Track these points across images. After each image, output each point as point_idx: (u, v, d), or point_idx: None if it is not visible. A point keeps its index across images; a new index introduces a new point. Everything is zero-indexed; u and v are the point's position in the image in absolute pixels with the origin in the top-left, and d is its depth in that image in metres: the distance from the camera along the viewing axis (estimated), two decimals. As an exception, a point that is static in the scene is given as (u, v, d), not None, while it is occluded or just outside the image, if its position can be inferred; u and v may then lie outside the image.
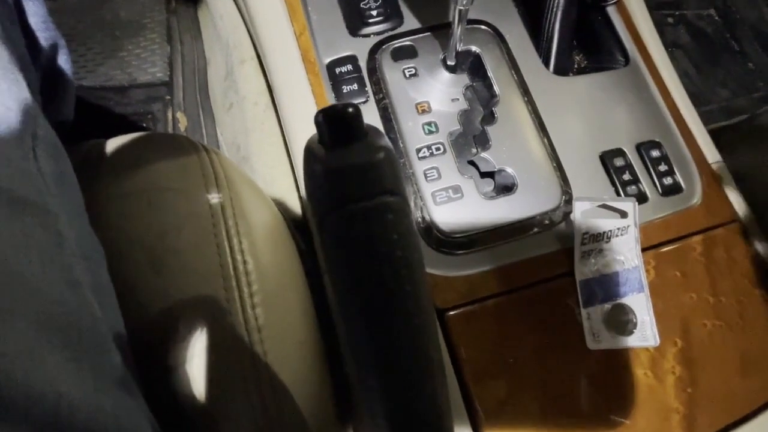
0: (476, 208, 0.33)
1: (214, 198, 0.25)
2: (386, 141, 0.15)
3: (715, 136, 0.46)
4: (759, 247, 0.36)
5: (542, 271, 0.33)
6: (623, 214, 0.33)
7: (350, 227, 0.13)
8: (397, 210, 0.14)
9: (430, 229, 0.33)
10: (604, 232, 0.32)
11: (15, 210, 0.17)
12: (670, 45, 0.97)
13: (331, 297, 0.16)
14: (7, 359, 0.14)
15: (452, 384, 0.30)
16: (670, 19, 0.98)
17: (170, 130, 0.74)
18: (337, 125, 0.14)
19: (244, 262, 0.24)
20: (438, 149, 0.34)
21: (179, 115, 0.75)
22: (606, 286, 0.32)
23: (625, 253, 0.32)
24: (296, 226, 0.36)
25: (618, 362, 0.31)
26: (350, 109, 0.14)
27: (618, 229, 0.32)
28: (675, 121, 0.39)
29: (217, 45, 0.65)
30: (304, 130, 0.36)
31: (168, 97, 0.76)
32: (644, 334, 0.31)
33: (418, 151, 0.34)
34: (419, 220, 0.33)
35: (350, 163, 0.13)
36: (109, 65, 0.80)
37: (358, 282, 0.14)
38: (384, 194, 0.13)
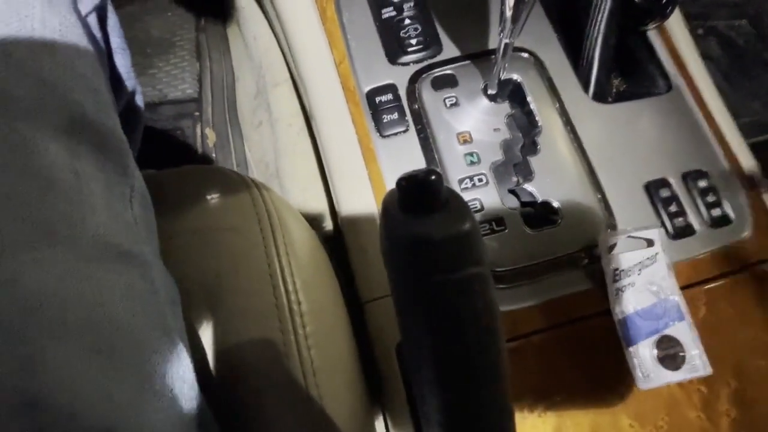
0: (520, 241, 0.33)
1: (267, 237, 0.25)
2: (469, 209, 0.14)
3: (750, 151, 0.45)
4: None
5: (588, 307, 0.32)
6: (650, 243, 0.33)
7: (438, 298, 0.13)
8: (482, 280, 0.14)
9: (473, 262, 0.32)
10: (634, 265, 0.32)
11: (123, 263, 0.17)
12: (701, 56, 0.95)
13: (411, 358, 0.16)
14: (119, 412, 0.15)
15: None
16: (700, 31, 0.96)
17: (199, 145, 0.76)
18: (420, 192, 0.14)
19: (299, 303, 0.24)
20: (480, 180, 0.34)
21: (208, 131, 0.77)
22: (646, 321, 0.31)
23: (659, 282, 0.31)
24: (331, 254, 0.36)
25: (669, 404, 0.30)
26: (433, 177, 0.14)
27: (647, 259, 0.32)
28: (722, 148, 0.38)
29: (248, 64, 0.66)
30: (343, 158, 0.37)
31: (197, 113, 0.78)
32: (694, 365, 0.30)
33: (461, 182, 0.34)
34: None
35: (440, 235, 0.13)
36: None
37: (445, 352, 0.14)
38: (471, 266, 0.13)
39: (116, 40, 0.27)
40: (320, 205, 0.45)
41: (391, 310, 0.32)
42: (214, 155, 0.74)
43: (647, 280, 0.32)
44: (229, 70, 0.78)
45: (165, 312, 0.18)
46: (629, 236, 0.33)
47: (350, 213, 0.35)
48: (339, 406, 0.23)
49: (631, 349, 0.31)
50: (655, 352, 0.31)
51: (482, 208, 0.34)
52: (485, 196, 0.34)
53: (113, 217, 0.18)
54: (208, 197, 0.27)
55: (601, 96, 0.39)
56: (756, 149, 0.49)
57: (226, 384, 0.22)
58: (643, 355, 0.31)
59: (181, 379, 0.17)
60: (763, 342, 0.32)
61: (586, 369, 0.31)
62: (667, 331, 0.31)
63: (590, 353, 0.31)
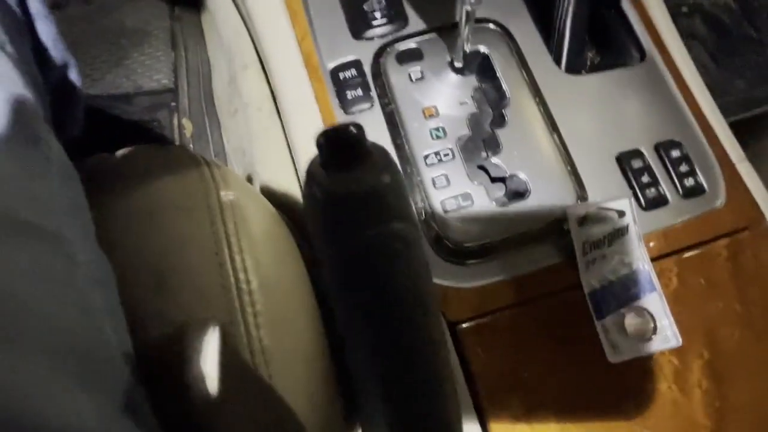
0: (487, 216, 0.32)
1: (215, 215, 0.24)
2: (392, 162, 0.13)
3: (734, 128, 0.44)
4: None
5: (558, 281, 0.31)
6: (620, 214, 0.32)
7: (356, 257, 0.12)
8: (404, 237, 0.13)
9: (439, 239, 0.32)
10: (604, 237, 0.31)
11: (21, 235, 0.16)
12: (684, 35, 0.94)
13: (339, 319, 0.15)
14: (19, 392, 0.14)
15: (465, 400, 0.29)
16: (684, 8, 0.95)
17: (176, 136, 0.74)
18: (339, 147, 0.13)
19: (248, 281, 0.23)
20: (447, 155, 0.33)
21: (185, 121, 0.75)
22: (616, 293, 0.30)
23: (630, 254, 0.31)
24: (303, 235, 0.35)
25: (640, 376, 0.30)
26: (352, 129, 0.13)
27: (618, 230, 0.31)
28: (696, 118, 0.37)
29: (220, 50, 0.65)
30: (308, 138, 0.35)
31: (173, 104, 0.76)
32: (665, 336, 0.30)
33: (426, 157, 0.33)
34: (428, 229, 0.32)
35: (353, 190, 0.12)
36: (114, 73, 0.80)
37: (366, 314, 0.13)
38: (390, 222, 0.12)
39: (35, 5, 0.26)
40: (292, 188, 0.44)
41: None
42: (191, 146, 0.72)
43: (618, 252, 0.31)
44: (205, 59, 0.76)
45: (86, 291, 0.17)
46: (599, 208, 0.32)
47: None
48: (293, 391, 0.22)
49: (601, 322, 0.30)
50: (626, 324, 0.30)
51: (449, 184, 0.33)
52: (452, 171, 0.33)
53: (16, 189, 0.17)
54: (157, 176, 0.25)
55: (574, 68, 0.38)
56: (742, 126, 0.48)
57: (168, 366, 0.21)
58: (613, 327, 0.30)
59: (106, 362, 0.16)
60: (735, 313, 0.32)
61: (556, 344, 0.30)
62: (638, 303, 0.31)
63: (561, 328, 0.31)
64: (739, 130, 0.46)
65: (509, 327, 0.30)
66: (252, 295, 0.23)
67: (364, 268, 0.13)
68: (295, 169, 0.43)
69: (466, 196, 0.32)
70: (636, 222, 0.32)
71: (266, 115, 0.49)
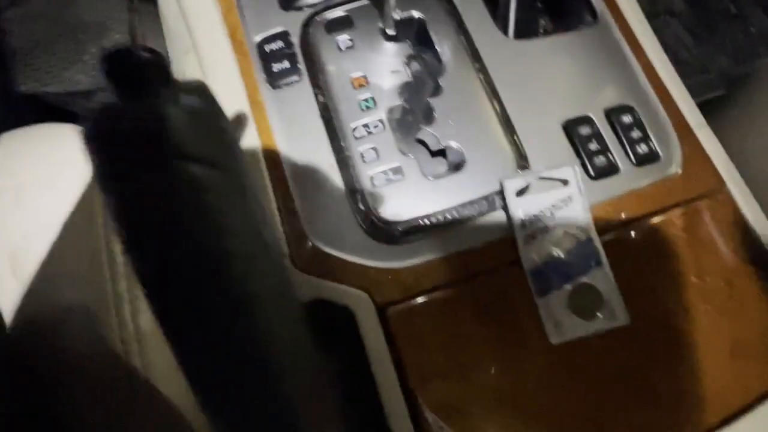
0: (420, 191, 0.30)
1: (91, 194, 0.22)
2: (201, 97, 0.11)
3: (714, 104, 0.42)
4: (749, 218, 0.32)
5: (497, 258, 0.29)
6: (564, 183, 0.29)
7: (130, 206, 0.10)
8: (202, 183, 0.10)
9: (368, 217, 0.29)
10: (546, 208, 0.28)
11: None
12: (662, 12, 0.92)
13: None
14: None
15: (393, 388, 0.26)
16: (662, -14, 0.92)
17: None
18: (125, 71, 0.11)
19: (125, 264, 0.21)
20: (376, 127, 0.31)
21: (145, 116, 0.73)
22: (559, 269, 0.28)
23: (574, 226, 0.28)
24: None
25: (585, 357, 0.27)
26: (143, 53, 0.11)
27: (561, 200, 0.29)
28: (651, 82, 0.35)
29: (168, 37, 0.62)
30: (233, 117, 0.33)
31: (133, 99, 0.74)
32: (612, 313, 0.28)
33: (354, 130, 0.31)
34: (357, 206, 0.29)
35: (125, 120, 0.10)
36: (74, 70, 0.78)
37: (152, 289, 0.10)
38: (181, 163, 0.10)
39: None
40: None
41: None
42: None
43: (561, 225, 0.29)
44: (164, 51, 0.74)
45: None
46: (540, 177, 0.30)
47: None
48: (169, 383, 0.20)
49: (543, 299, 0.28)
50: (569, 302, 0.28)
51: (378, 157, 0.30)
52: (382, 144, 0.30)
53: None
54: (35, 155, 0.23)
55: (524, 36, 0.36)
56: (722, 103, 0.46)
57: (26, 351, 0.18)
58: (556, 305, 0.28)
59: None
60: (692, 285, 0.29)
61: (495, 325, 0.28)
62: (582, 279, 0.28)
63: (500, 308, 0.28)
64: (721, 106, 0.44)
65: (443, 309, 0.28)
66: (129, 277, 0.20)
67: (140, 223, 0.10)
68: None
69: (397, 170, 0.30)
70: (582, 192, 0.30)
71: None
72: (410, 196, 0.29)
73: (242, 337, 0.12)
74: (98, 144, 0.10)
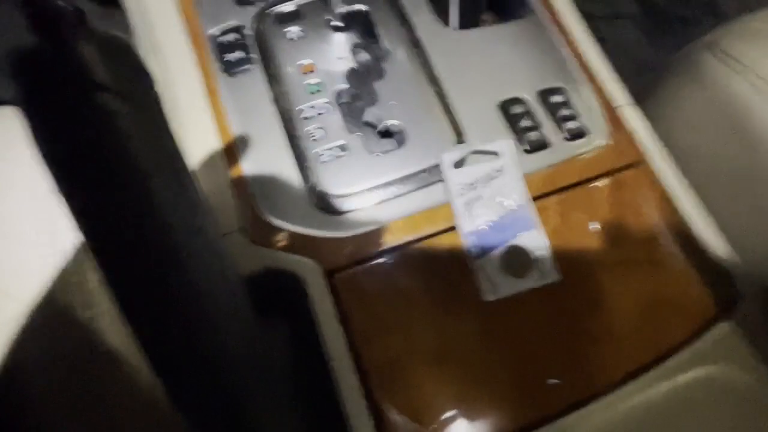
0: (363, 165, 0.32)
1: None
2: (117, 38, 0.13)
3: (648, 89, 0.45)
4: (669, 187, 0.35)
5: (435, 225, 0.31)
6: (497, 155, 0.32)
7: (50, 132, 0.11)
8: (113, 111, 0.12)
9: (316, 190, 0.31)
10: (480, 178, 0.31)
11: None
12: (616, 15, 0.97)
13: None
14: None
15: (342, 352, 0.28)
16: (616, -10, 0.98)
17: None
18: (43, 18, 0.12)
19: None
20: (325, 109, 0.33)
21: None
22: (494, 233, 0.30)
23: (509, 194, 0.31)
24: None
25: (521, 311, 0.30)
26: (59, 2, 0.12)
27: (495, 171, 0.31)
28: (580, 65, 0.38)
29: (137, 41, 0.64)
30: (189, 104, 0.35)
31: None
32: (543, 272, 0.30)
33: (303, 111, 0.33)
34: (307, 182, 0.31)
35: (49, 57, 0.11)
36: None
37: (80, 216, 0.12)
38: (94, 92, 0.12)
39: None
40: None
41: (236, 244, 0.31)
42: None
43: (495, 193, 0.31)
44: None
45: None
46: (475, 151, 0.32)
47: (198, 160, 0.34)
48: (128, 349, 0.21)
49: (478, 261, 0.30)
50: (502, 262, 0.30)
51: (326, 135, 0.32)
52: (329, 124, 0.33)
53: None
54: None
55: (465, 27, 0.39)
56: (654, 86, 0.49)
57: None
58: (491, 265, 0.30)
59: None
60: (616, 245, 0.32)
61: (434, 286, 0.30)
62: (515, 241, 0.30)
63: (439, 271, 0.30)
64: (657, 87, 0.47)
65: (386, 273, 0.30)
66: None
67: (59, 149, 0.11)
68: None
69: (342, 147, 0.32)
70: (514, 163, 0.32)
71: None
72: (356, 170, 0.32)
73: (170, 280, 0.14)
74: (18, 79, 0.12)
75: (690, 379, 0.29)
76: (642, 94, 0.44)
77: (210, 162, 0.33)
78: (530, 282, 0.30)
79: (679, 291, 0.31)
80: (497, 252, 0.30)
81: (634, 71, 0.98)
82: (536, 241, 0.30)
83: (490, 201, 0.31)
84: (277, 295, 0.30)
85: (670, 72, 0.41)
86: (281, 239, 0.30)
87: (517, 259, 0.30)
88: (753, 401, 0.27)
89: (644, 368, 0.28)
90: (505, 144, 0.32)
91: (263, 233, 0.31)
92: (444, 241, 0.31)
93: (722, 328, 0.31)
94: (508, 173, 0.31)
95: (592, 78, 0.38)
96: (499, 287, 0.29)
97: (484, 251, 0.30)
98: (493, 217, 0.31)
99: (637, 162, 0.35)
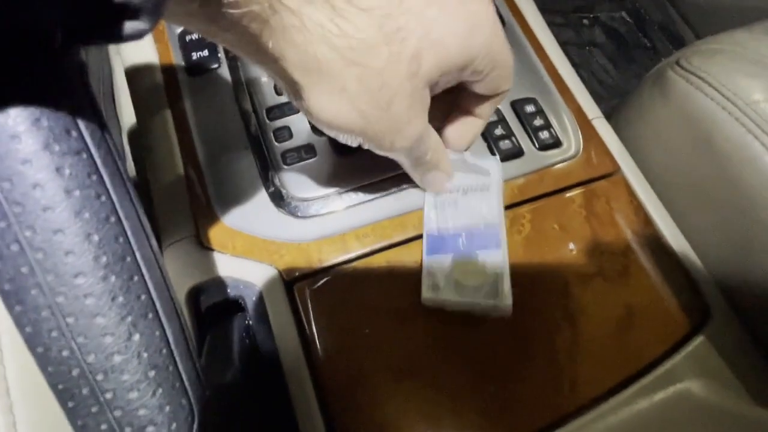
0: (331, 169, 0.30)
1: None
2: None
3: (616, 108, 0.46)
4: (642, 198, 0.35)
5: (405, 232, 0.29)
6: (485, 173, 0.31)
7: None
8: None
9: (279, 193, 0.29)
10: (460, 187, 0.29)
11: None
12: (587, 44, 1.02)
13: None
14: None
15: (300, 366, 0.25)
16: (585, 21, 1.04)
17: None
18: None
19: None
20: (291, 108, 0.32)
21: (81, 125, 0.70)
22: (457, 239, 0.28)
23: (484, 210, 0.29)
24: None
25: (491, 328, 0.28)
26: None
27: (480, 185, 0.30)
28: (552, 79, 0.38)
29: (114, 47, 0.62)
30: (149, 104, 0.33)
31: (70, 108, 0.71)
32: (493, 293, 0.27)
33: (269, 111, 0.31)
34: (269, 184, 0.29)
35: None
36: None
37: None
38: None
39: None
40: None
41: (191, 250, 0.28)
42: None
43: (472, 205, 0.30)
44: (105, 60, 0.73)
45: None
46: (464, 160, 0.31)
47: (154, 161, 0.31)
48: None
49: (429, 258, 0.28)
50: (453, 267, 0.28)
51: (291, 136, 0.31)
52: (295, 124, 0.31)
53: None
54: None
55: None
56: (621, 104, 0.50)
57: None
58: (441, 266, 0.27)
59: None
60: (589, 257, 0.31)
61: (400, 297, 0.28)
62: (476, 254, 0.28)
63: (404, 279, 0.28)
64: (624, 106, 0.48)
65: (350, 283, 0.28)
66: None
67: None
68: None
69: (309, 149, 0.30)
70: (500, 185, 0.30)
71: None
72: (321, 173, 0.30)
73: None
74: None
75: (667, 396, 0.28)
76: (613, 114, 0.45)
77: (167, 163, 0.31)
78: (477, 297, 0.27)
79: (653, 305, 0.30)
80: (452, 257, 0.28)
81: (605, 94, 1.02)
82: (496, 261, 0.28)
83: (464, 210, 0.30)
84: (233, 304, 0.28)
85: (638, 92, 0.42)
86: (237, 244, 0.28)
87: (470, 271, 0.28)
88: (730, 416, 0.26)
89: (620, 386, 0.27)
90: (496, 164, 0.31)
91: (218, 238, 0.28)
92: (413, 250, 0.29)
93: (697, 343, 0.30)
94: (491, 193, 0.30)
95: (564, 90, 0.38)
96: (441, 291, 0.27)
97: (439, 251, 0.28)
98: (461, 225, 0.29)
99: (609, 173, 0.35)
